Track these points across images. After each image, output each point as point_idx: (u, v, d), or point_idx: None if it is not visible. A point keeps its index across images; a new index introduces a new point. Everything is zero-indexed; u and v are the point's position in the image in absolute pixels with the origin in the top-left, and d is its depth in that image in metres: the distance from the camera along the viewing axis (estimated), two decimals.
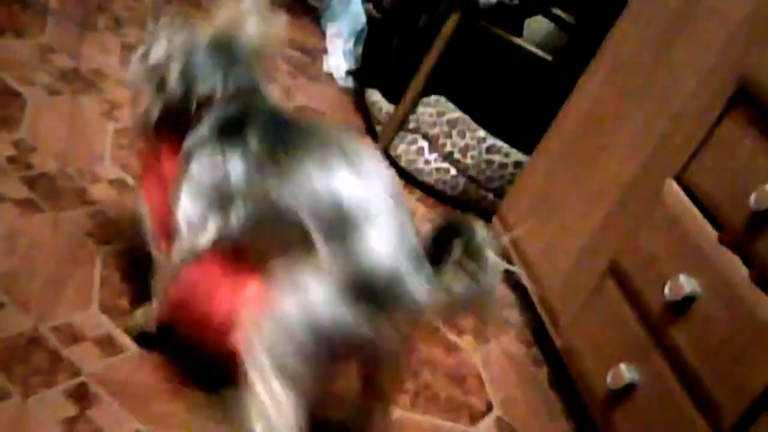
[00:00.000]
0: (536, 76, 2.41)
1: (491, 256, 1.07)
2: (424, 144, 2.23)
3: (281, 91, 2.33)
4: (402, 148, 2.25)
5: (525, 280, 1.78)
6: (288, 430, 1.06)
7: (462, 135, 2.16)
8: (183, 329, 1.19)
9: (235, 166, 1.14)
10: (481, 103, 2.24)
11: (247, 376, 1.07)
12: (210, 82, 1.20)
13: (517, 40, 2.46)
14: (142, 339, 1.24)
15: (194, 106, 1.20)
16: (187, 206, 1.16)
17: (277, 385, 1.06)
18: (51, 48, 1.90)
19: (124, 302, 1.30)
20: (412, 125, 2.25)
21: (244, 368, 1.07)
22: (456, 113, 2.20)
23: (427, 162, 2.23)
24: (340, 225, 1.07)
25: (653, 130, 1.54)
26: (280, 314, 1.06)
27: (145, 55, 1.23)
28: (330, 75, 2.65)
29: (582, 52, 1.97)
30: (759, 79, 1.28)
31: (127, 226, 1.45)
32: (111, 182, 1.56)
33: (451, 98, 2.23)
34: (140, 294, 1.32)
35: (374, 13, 2.70)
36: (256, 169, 1.13)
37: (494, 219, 2.02)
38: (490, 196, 2.19)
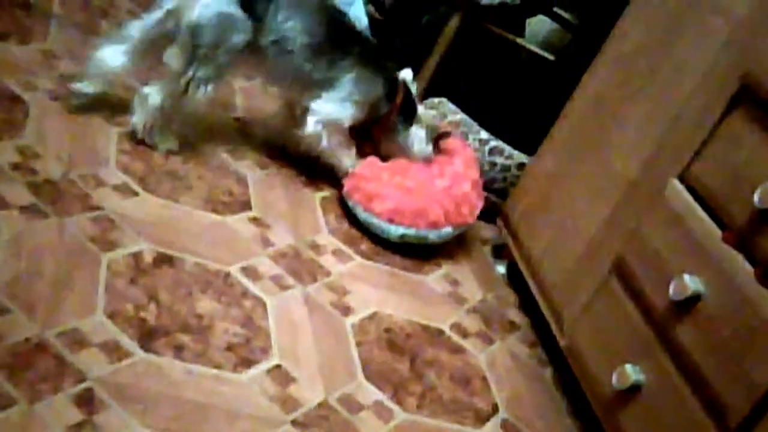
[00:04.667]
0: (538, 77, 2.41)
1: None
2: None
3: None
4: None
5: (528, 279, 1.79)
6: None
7: (464, 137, 2.16)
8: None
9: None
10: (483, 104, 2.24)
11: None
12: None
13: (519, 40, 2.47)
14: None
15: None
16: None
17: None
18: (54, 53, 1.90)
19: (129, 307, 1.30)
20: None
21: None
22: (458, 115, 2.20)
23: None
24: None
25: (656, 128, 1.54)
26: None
27: None
28: None
29: (584, 52, 1.97)
30: (762, 76, 1.28)
31: (131, 231, 1.46)
32: (115, 187, 1.56)
33: (454, 100, 2.23)
34: (144, 298, 1.33)
35: (376, 14, 2.70)
36: None
37: (497, 220, 2.02)
38: (493, 197, 2.19)
